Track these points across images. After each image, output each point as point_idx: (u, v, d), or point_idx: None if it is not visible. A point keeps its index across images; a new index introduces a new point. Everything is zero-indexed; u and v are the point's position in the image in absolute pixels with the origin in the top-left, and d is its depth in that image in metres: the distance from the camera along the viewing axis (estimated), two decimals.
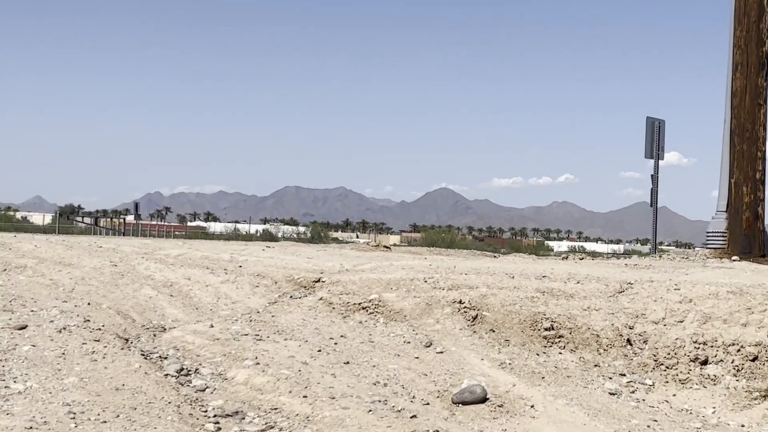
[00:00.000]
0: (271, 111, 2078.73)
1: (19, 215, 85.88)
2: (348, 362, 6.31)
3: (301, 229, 65.83)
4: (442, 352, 6.78)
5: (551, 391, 6.00)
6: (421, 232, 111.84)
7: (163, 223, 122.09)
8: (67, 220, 55.64)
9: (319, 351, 6.58)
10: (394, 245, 49.33)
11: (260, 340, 6.81)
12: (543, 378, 6.34)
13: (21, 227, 50.84)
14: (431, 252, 20.20)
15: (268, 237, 50.76)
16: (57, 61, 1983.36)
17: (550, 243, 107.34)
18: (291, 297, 9.10)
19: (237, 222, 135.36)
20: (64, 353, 5.80)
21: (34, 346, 5.90)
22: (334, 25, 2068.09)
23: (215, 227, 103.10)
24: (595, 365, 6.80)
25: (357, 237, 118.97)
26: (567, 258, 17.22)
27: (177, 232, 62.91)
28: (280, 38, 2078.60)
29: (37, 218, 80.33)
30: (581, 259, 16.38)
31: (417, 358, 6.61)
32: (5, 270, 10.05)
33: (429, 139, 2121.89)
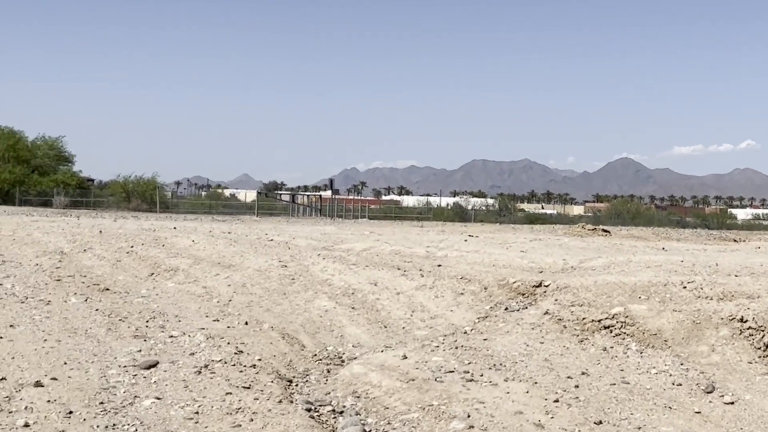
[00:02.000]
0: (457, 86, 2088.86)
1: (227, 192, 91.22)
2: (600, 422, 4.45)
3: (490, 201, 63.92)
4: (732, 403, 4.89)
5: None
6: (605, 202, 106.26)
7: (358, 197, 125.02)
8: (265, 197, 57.39)
9: (556, 401, 4.74)
10: (579, 216, 45.87)
11: (471, 380, 5.02)
12: None
13: (228, 204, 53.57)
14: (657, 235, 17.25)
15: (458, 210, 49.87)
16: (260, 48, 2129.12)
17: (734, 211, 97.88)
18: (506, 309, 6.95)
19: (428, 195, 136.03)
20: (197, 413, 4.04)
21: (158, 399, 4.20)
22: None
23: (408, 201, 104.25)
24: None
25: (542, 208, 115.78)
26: None
27: (372, 206, 63.40)
28: (462, 13, 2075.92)
29: (242, 195, 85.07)
30: None
31: (698, 413, 4.72)
32: (152, 274, 8.47)
33: (609, 109, 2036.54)
